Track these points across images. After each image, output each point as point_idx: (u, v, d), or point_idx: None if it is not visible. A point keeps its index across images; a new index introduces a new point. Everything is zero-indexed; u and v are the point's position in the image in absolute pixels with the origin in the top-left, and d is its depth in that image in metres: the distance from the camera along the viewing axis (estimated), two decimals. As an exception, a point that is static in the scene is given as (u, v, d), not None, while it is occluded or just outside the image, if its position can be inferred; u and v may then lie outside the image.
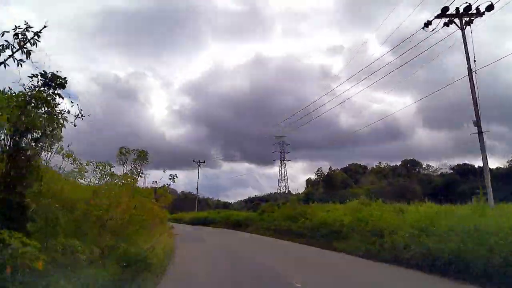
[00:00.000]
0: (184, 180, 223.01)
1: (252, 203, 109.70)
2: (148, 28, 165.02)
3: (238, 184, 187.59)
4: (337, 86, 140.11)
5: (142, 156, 9.91)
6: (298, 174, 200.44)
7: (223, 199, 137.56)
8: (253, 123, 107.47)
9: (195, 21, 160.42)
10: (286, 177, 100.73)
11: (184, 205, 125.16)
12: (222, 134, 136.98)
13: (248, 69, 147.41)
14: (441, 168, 65.28)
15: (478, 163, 45.13)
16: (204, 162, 51.73)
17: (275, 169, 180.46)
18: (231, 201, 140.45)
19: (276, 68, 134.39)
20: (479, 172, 25.98)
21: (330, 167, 62.60)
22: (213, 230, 32.53)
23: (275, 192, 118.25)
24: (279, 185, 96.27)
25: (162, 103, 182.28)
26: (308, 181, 63.84)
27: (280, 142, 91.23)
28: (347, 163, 72.04)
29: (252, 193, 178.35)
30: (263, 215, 26.55)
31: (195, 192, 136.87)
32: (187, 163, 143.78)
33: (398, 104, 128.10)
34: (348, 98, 43.13)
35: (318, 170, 60.59)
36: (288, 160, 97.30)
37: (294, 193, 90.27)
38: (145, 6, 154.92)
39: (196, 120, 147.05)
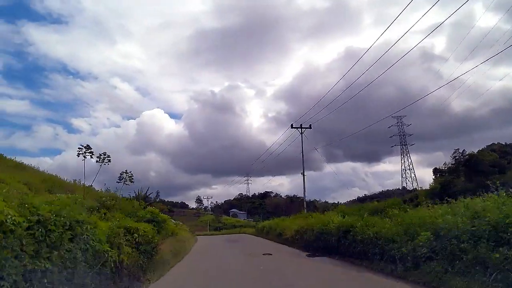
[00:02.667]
0: (288, 186, 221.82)
1: (363, 203, 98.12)
2: (237, 42, 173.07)
3: (343, 185, 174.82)
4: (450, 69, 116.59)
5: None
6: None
7: (330, 200, 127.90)
8: (354, 119, 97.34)
9: (281, 26, 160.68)
10: (411, 165, 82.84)
11: (290, 209, 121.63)
12: (322, 135, 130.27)
13: (341, 64, 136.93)
14: None
15: None
16: (310, 127, 30.97)
17: (382, 166, 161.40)
18: (340, 201, 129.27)
19: (370, 59, 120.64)
20: None
21: (463, 150, 47.81)
22: None
23: (387, 189, 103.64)
24: (404, 176, 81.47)
25: (258, 111, 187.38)
26: (437, 171, 50.34)
27: (398, 123, 77.96)
28: (468, 150, 54.37)
29: (360, 193, 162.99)
30: None
31: (301, 195, 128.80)
32: (289, 168, 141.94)
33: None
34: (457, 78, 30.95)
35: (454, 152, 45.93)
36: (411, 144, 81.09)
37: (410, 189, 75.71)
38: (232, 22, 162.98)
39: (294, 124, 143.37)
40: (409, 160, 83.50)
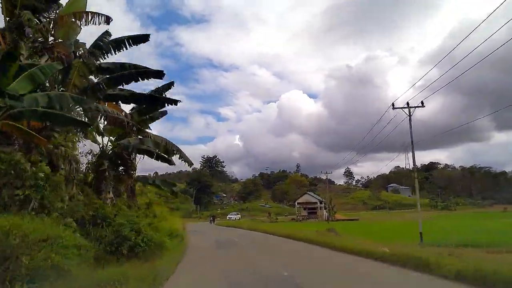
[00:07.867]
0: (445, 161, 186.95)
1: None
2: (375, 8, 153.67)
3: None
4: None
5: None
6: None
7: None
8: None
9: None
10: None
11: (469, 184, 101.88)
12: (488, 99, 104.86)
13: (506, 13, 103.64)
14: None
15: None
16: None
17: None
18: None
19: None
20: None
21: None
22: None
23: None
24: None
25: (402, 80, 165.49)
26: None
27: None
28: None
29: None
30: None
31: (484, 165, 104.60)
32: (450, 140, 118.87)
33: None
34: None
35: None
36: None
37: None
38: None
39: (449, 90, 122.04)
40: None
